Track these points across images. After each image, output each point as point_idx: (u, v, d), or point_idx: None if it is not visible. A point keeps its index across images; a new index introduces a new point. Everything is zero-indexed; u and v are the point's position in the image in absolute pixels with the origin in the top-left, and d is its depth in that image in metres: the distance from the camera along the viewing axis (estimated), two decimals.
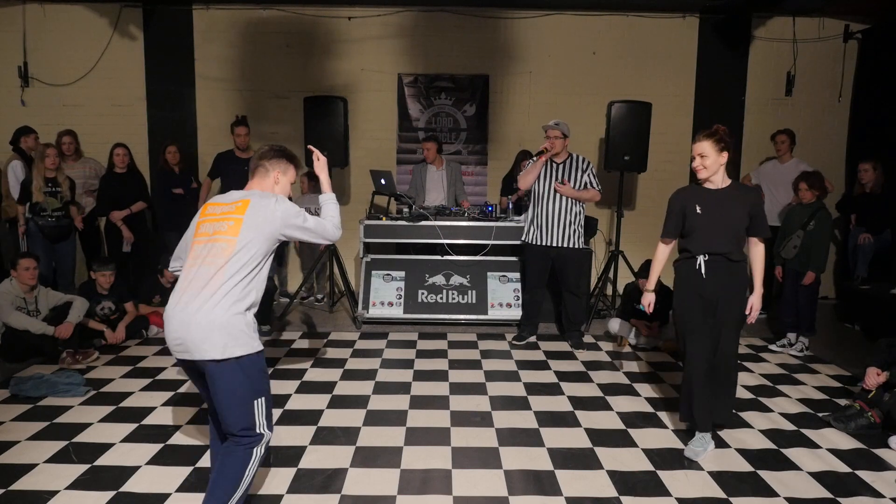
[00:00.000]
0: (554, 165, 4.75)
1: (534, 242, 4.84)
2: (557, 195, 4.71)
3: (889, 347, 3.61)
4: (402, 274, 5.60)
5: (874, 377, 3.50)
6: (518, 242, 5.23)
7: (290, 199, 2.60)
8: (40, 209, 5.12)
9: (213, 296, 2.25)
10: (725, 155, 3.04)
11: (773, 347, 4.94)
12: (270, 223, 2.37)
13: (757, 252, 3.17)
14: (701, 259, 3.08)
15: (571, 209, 4.73)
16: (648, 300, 3.37)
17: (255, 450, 2.33)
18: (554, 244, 4.76)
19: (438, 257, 5.60)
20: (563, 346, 4.95)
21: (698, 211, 3.07)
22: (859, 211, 5.83)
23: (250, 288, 2.33)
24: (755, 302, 3.14)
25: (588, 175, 4.75)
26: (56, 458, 3.00)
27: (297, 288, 6.14)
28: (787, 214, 5.06)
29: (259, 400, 2.33)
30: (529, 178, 4.78)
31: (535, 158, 4.72)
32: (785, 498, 2.74)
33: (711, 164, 3.03)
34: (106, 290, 4.88)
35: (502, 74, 6.69)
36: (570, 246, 4.76)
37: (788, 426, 3.49)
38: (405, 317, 5.47)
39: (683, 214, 3.12)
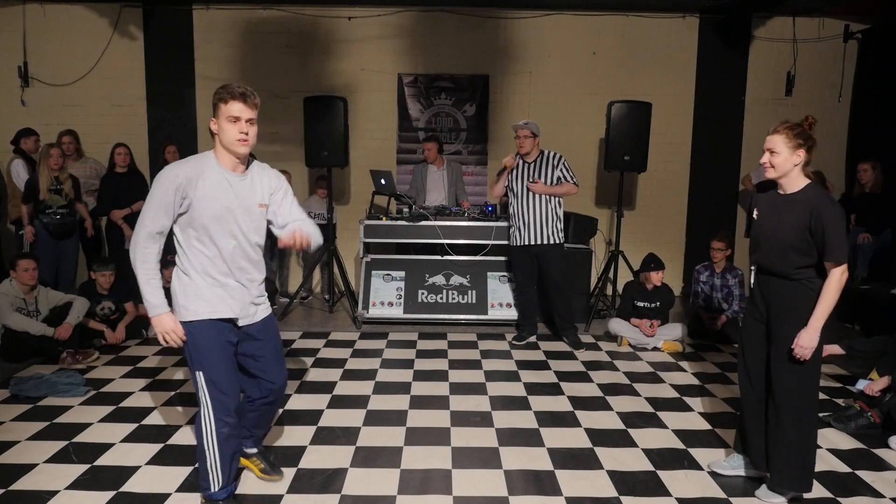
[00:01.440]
0: (525, 165, 4.78)
1: (516, 243, 4.87)
2: (532, 194, 4.74)
3: (870, 344, 3.64)
4: (402, 274, 5.60)
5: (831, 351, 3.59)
6: None
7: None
8: (45, 207, 5.14)
9: None
10: (802, 153, 2.49)
11: None
12: None
13: (828, 278, 2.48)
14: (753, 271, 2.72)
15: (546, 206, 4.75)
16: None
17: (198, 415, 2.44)
18: (534, 242, 4.78)
19: (438, 257, 5.60)
20: (563, 346, 4.95)
21: (755, 216, 2.66)
22: (859, 211, 5.83)
23: (181, 256, 2.41)
24: (802, 337, 2.48)
25: (560, 170, 4.76)
26: (56, 458, 3.00)
27: (298, 288, 6.14)
28: None
29: (197, 374, 2.40)
30: (497, 189, 4.93)
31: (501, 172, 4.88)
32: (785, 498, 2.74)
33: (781, 162, 2.50)
34: (106, 290, 4.88)
35: (502, 74, 6.69)
36: (549, 242, 4.77)
37: None
38: (405, 317, 5.46)
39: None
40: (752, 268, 2.72)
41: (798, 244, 2.49)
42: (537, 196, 4.74)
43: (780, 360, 2.58)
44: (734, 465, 2.92)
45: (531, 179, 4.73)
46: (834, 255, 2.43)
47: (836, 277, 2.46)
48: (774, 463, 2.65)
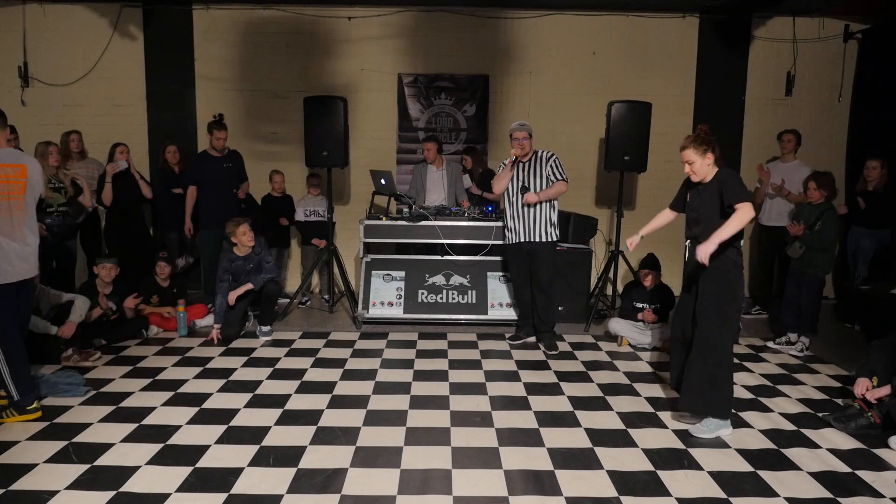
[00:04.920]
0: (521, 164, 4.75)
1: (509, 242, 4.86)
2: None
3: (878, 352, 3.60)
4: (402, 274, 5.60)
5: (863, 387, 3.48)
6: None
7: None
8: (46, 206, 5.13)
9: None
10: (710, 156, 3.31)
11: (771, 345, 4.95)
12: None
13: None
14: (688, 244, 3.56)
15: (541, 204, 4.71)
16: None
17: None
18: (526, 239, 4.76)
19: (438, 257, 5.60)
20: (563, 346, 4.94)
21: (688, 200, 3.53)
22: (860, 210, 5.81)
23: None
24: (701, 247, 3.22)
25: (550, 167, 4.69)
26: (56, 458, 3.00)
27: (298, 289, 6.14)
28: (795, 214, 5.07)
29: None
30: (502, 184, 4.79)
31: (504, 164, 4.79)
32: (785, 498, 2.74)
33: (699, 168, 3.34)
34: (108, 283, 4.87)
35: (502, 74, 6.69)
36: (542, 240, 4.73)
37: (788, 426, 3.49)
38: (405, 317, 5.47)
39: None
40: (687, 242, 3.46)
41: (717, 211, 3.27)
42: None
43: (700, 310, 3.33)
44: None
45: (522, 184, 4.68)
46: (733, 198, 3.16)
47: (742, 211, 3.12)
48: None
